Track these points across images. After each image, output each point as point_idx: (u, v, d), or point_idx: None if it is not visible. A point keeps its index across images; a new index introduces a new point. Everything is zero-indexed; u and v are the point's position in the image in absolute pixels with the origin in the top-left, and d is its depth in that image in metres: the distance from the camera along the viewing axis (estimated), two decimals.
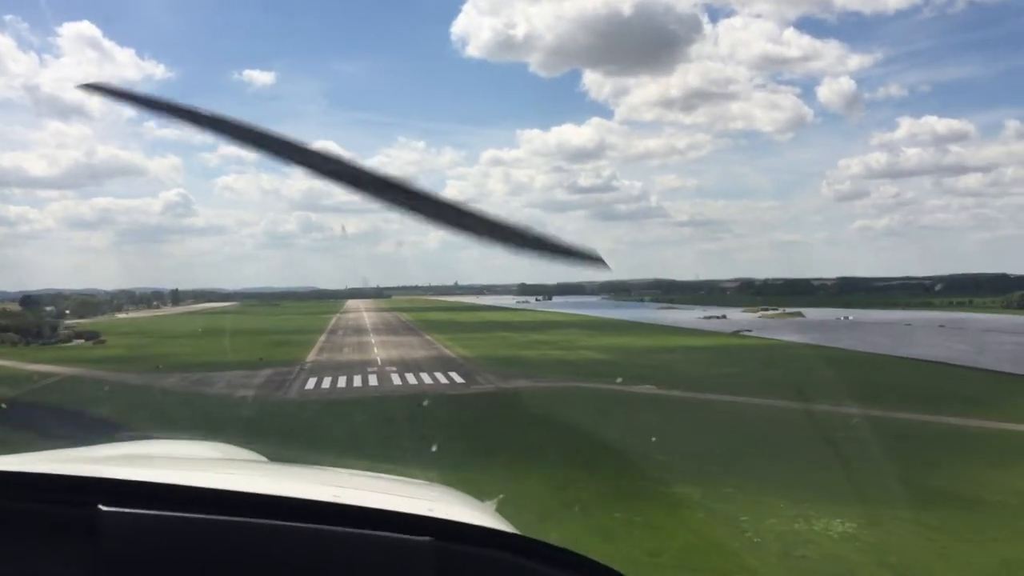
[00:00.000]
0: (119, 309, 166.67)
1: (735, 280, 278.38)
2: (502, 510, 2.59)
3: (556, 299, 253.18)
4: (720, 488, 21.39)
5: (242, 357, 56.54)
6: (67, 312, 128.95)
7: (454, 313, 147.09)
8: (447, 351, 64.23)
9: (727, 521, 18.52)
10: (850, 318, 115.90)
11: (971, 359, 51.54)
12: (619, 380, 47.02)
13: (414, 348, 67.18)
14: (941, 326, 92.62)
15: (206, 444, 3.70)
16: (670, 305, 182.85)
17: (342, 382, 45.49)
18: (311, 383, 45.45)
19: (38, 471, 1.80)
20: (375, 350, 65.60)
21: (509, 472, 22.24)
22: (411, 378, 46.50)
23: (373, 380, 46.18)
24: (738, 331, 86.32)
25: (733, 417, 33.55)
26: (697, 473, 23.04)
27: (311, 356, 61.72)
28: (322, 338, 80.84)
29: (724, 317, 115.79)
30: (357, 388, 43.42)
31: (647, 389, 40.80)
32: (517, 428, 30.62)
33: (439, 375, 47.40)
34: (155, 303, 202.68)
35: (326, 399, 39.86)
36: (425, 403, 34.33)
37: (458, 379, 45.75)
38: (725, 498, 20.54)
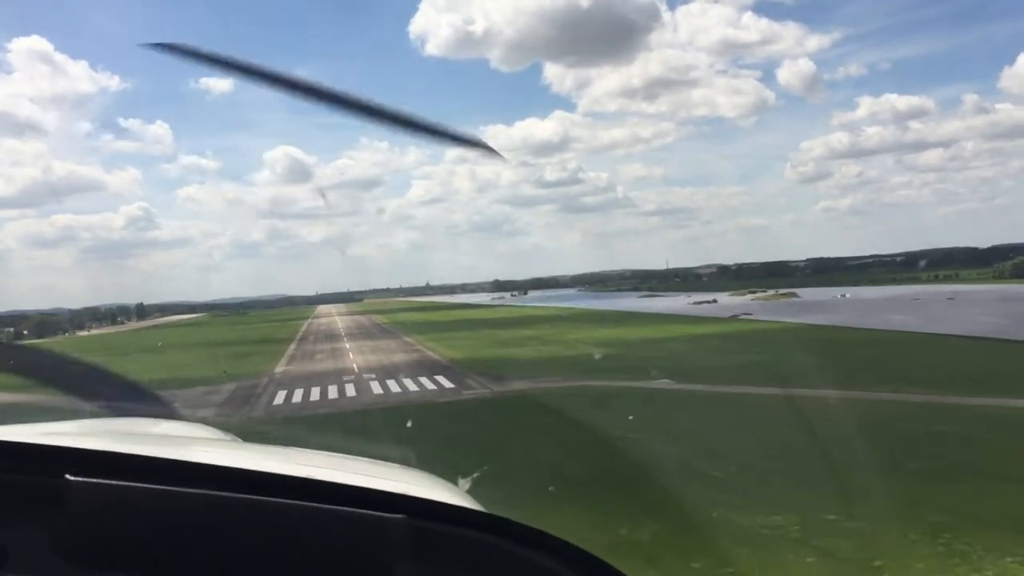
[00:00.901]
0: (81, 327, 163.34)
1: (710, 266, 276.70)
2: (473, 492, 2.39)
3: (532, 293, 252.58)
4: (817, 513, 15.99)
5: (204, 371, 52.10)
6: (25, 332, 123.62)
7: (430, 313, 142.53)
8: (430, 353, 58.96)
9: (857, 570, 13.25)
10: (847, 296, 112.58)
11: (1015, 332, 46.88)
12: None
13: (393, 352, 61.88)
14: (950, 299, 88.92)
15: (179, 423, 3.39)
16: (651, 293, 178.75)
17: (315, 394, 40.09)
18: (280, 397, 39.96)
19: (4, 440, 1.65)
20: (351, 356, 60.38)
21: (534, 504, 16.59)
22: (393, 386, 41.23)
23: (350, 390, 40.80)
24: (736, 315, 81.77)
25: (782, 415, 28.13)
26: (776, 494, 17.83)
27: (280, 367, 56.28)
28: (292, 346, 76.00)
29: (715, 302, 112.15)
30: (332, 400, 38.02)
31: (664, 384, 35.82)
32: (528, 441, 25.29)
33: (424, 380, 42.12)
34: (119, 319, 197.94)
35: (297, 415, 34.41)
36: (408, 424, 28.31)
37: (447, 384, 40.49)
38: (831, 529, 15.18)
